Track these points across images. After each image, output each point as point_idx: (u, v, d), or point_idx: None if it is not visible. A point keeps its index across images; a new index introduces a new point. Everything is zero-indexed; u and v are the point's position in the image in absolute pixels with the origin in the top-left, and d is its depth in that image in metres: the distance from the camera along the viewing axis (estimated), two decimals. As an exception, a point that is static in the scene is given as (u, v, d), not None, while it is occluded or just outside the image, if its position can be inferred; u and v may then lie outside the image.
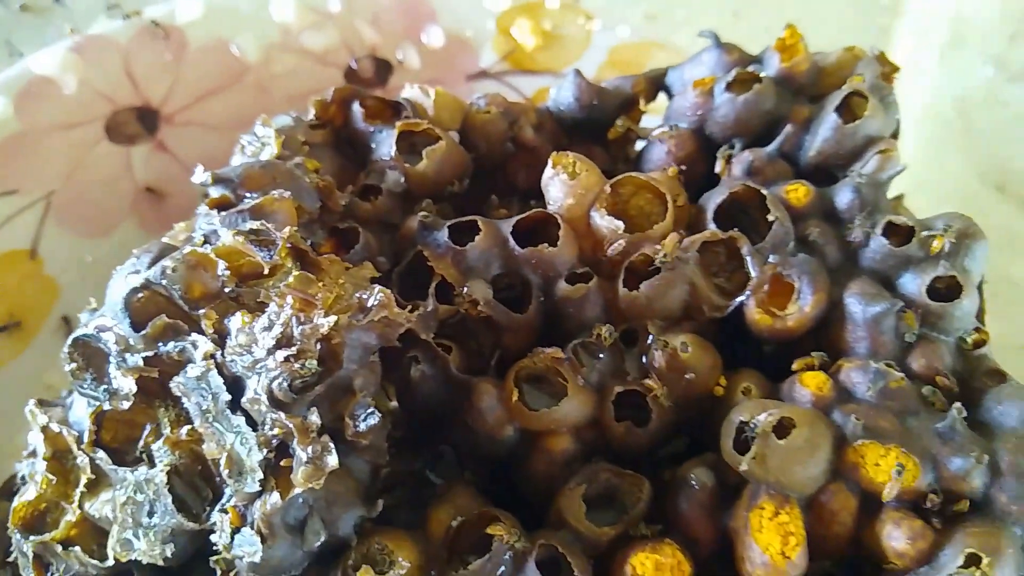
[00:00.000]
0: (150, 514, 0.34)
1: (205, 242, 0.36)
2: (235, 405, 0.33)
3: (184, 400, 0.34)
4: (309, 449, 0.32)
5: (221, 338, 0.34)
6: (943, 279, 0.38)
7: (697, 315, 0.39)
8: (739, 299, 0.39)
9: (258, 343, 0.32)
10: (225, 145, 0.45)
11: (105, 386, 0.35)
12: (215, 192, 0.39)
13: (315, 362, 0.32)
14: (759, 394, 0.37)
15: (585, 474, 0.37)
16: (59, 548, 0.36)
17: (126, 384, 0.35)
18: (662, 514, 0.37)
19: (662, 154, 0.45)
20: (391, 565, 0.34)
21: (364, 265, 0.37)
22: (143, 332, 0.34)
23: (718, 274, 0.40)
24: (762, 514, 0.34)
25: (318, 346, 0.32)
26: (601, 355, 0.38)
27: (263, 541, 0.32)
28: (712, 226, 0.40)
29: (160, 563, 0.34)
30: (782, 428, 0.34)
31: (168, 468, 0.34)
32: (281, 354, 0.32)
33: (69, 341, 0.36)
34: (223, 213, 0.37)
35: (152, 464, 0.35)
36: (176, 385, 0.34)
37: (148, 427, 0.36)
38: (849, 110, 0.43)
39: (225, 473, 0.33)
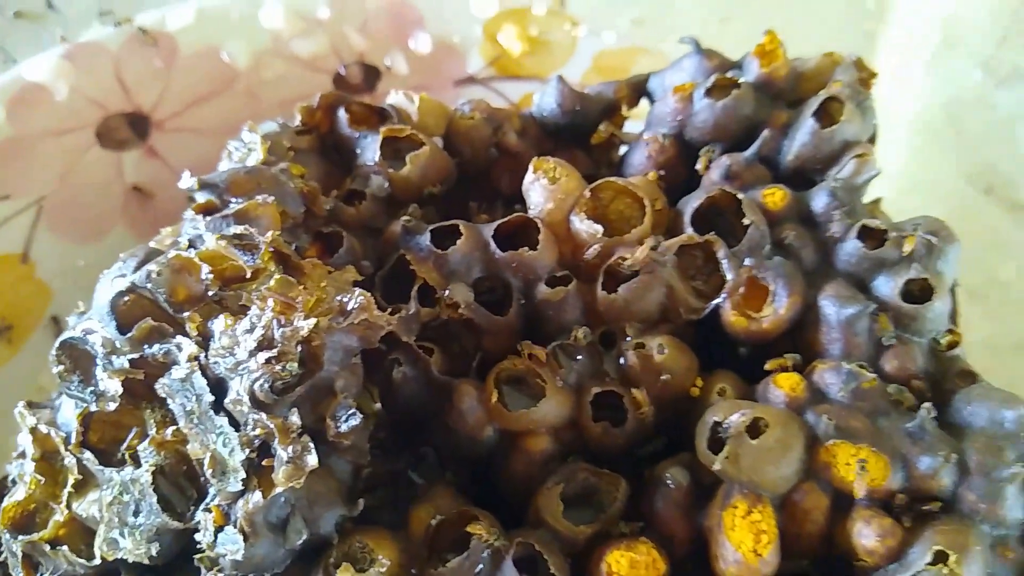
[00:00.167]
0: (136, 513, 0.35)
1: (190, 246, 0.36)
2: (218, 406, 0.34)
3: (169, 401, 0.35)
4: (289, 449, 0.32)
5: (205, 340, 0.34)
6: (916, 282, 0.39)
7: (674, 317, 0.40)
8: (715, 301, 0.39)
9: (240, 345, 0.33)
10: (216, 151, 0.46)
11: (92, 388, 0.36)
12: (201, 197, 0.39)
13: (296, 364, 0.33)
14: (734, 395, 0.38)
15: (563, 473, 0.37)
16: (47, 548, 0.37)
17: (112, 386, 0.35)
18: (642, 513, 0.38)
19: (643, 159, 0.45)
20: (371, 563, 0.34)
21: (347, 269, 0.38)
22: (129, 335, 0.35)
23: (696, 277, 0.41)
24: (735, 513, 0.35)
25: (298, 348, 0.33)
26: (579, 357, 0.39)
27: (245, 539, 0.33)
28: (689, 230, 0.40)
29: (146, 562, 0.35)
30: (755, 428, 0.35)
31: (153, 468, 0.35)
32: (262, 356, 0.33)
33: (57, 344, 0.37)
34: (208, 218, 0.37)
35: (138, 464, 0.35)
36: (161, 387, 0.35)
37: (135, 428, 0.37)
38: (827, 115, 0.44)
39: (209, 473, 0.34)
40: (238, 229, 0.36)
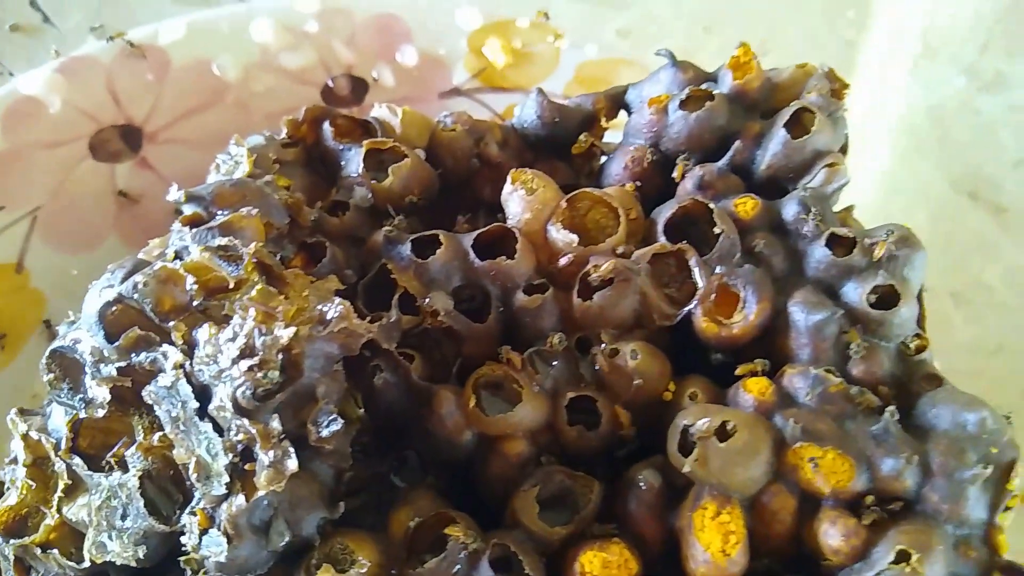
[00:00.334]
0: (123, 517, 0.36)
1: (176, 257, 0.38)
2: (203, 412, 0.35)
3: (156, 408, 0.36)
4: (271, 453, 0.33)
5: (190, 349, 0.35)
6: (882, 288, 0.40)
7: (648, 323, 0.41)
8: (687, 308, 0.40)
9: (223, 354, 0.34)
10: (207, 162, 0.47)
11: (81, 395, 0.37)
12: (188, 209, 0.41)
13: (276, 372, 0.34)
14: (705, 399, 0.39)
15: (539, 476, 0.38)
16: (39, 551, 0.38)
17: (100, 393, 0.36)
18: (616, 514, 0.39)
19: (619, 169, 0.46)
20: (352, 564, 0.35)
21: (329, 278, 0.39)
22: (116, 344, 0.36)
23: (669, 284, 0.42)
24: (704, 514, 0.36)
25: (279, 356, 0.34)
26: (554, 362, 0.40)
27: (229, 541, 0.34)
28: (662, 239, 0.42)
29: (133, 564, 0.36)
30: (724, 432, 0.36)
31: (140, 473, 0.36)
32: (244, 364, 0.34)
33: (47, 353, 0.38)
34: (194, 230, 0.38)
35: (125, 469, 0.37)
36: (148, 394, 0.36)
37: (124, 434, 0.38)
38: (801, 125, 0.45)
39: (194, 477, 0.35)
40: (223, 241, 0.37)
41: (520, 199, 0.42)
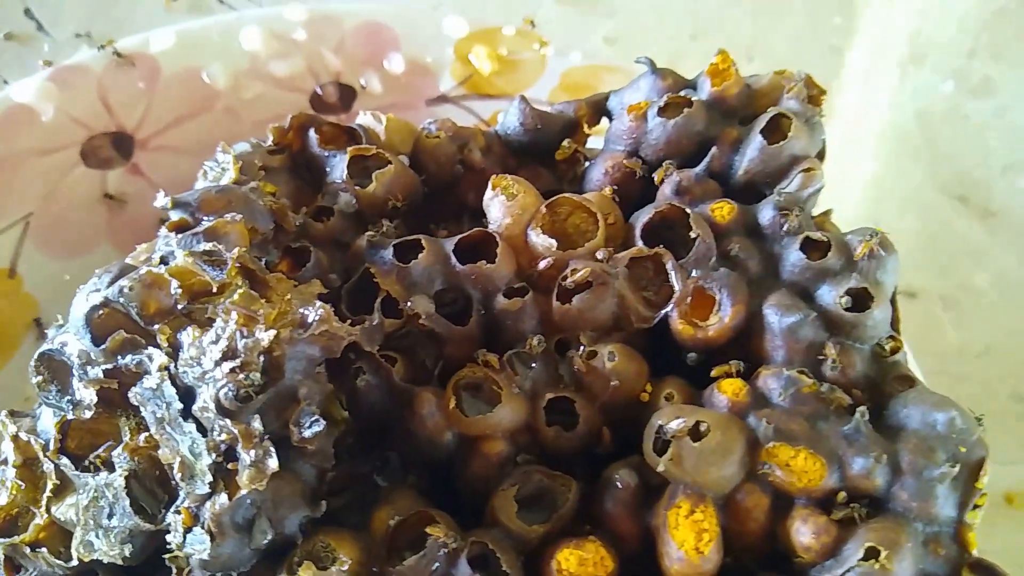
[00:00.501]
0: (110, 516, 0.37)
1: (162, 262, 0.38)
2: (187, 413, 0.36)
3: (141, 409, 0.37)
4: (252, 453, 0.34)
5: (174, 351, 0.36)
6: (856, 290, 0.41)
7: (626, 326, 0.42)
8: (664, 311, 0.41)
9: (206, 356, 0.35)
10: (197, 168, 0.48)
11: (69, 397, 0.38)
12: (175, 215, 0.41)
13: (258, 373, 0.34)
14: (681, 400, 0.40)
15: (518, 476, 0.39)
16: (28, 550, 0.39)
17: (87, 395, 0.37)
18: (593, 513, 0.39)
19: (600, 175, 0.47)
20: (333, 561, 0.36)
21: (312, 283, 0.40)
22: (103, 346, 0.37)
23: (647, 288, 0.42)
24: (679, 512, 0.37)
25: (260, 358, 0.35)
26: (533, 364, 0.41)
27: (212, 539, 0.35)
28: (640, 243, 0.42)
29: (119, 562, 0.37)
30: (698, 431, 0.37)
31: (126, 473, 0.37)
32: (227, 366, 0.34)
33: (36, 355, 0.39)
34: (180, 235, 0.39)
35: (112, 469, 0.37)
36: (133, 395, 0.37)
37: (111, 435, 0.39)
38: (778, 131, 0.45)
39: (178, 476, 0.36)
40: (207, 246, 0.38)
41: (501, 204, 0.43)
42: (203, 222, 0.40)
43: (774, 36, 0.83)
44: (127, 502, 0.37)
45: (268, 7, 0.64)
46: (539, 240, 0.42)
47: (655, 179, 0.46)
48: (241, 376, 0.34)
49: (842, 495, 0.37)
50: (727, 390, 0.39)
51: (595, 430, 0.40)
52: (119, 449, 0.37)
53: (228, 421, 0.34)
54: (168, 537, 0.36)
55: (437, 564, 0.36)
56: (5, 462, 0.41)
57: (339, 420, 0.39)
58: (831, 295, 0.41)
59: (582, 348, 0.41)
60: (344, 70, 0.61)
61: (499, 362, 0.41)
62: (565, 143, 0.50)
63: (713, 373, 0.40)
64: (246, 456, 0.34)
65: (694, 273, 0.41)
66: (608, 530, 0.38)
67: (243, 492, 0.34)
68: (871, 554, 0.35)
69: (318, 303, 0.37)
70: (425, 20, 0.62)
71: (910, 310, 0.83)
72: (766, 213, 0.43)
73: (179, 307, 0.37)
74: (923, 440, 0.37)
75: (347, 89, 0.62)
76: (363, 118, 0.48)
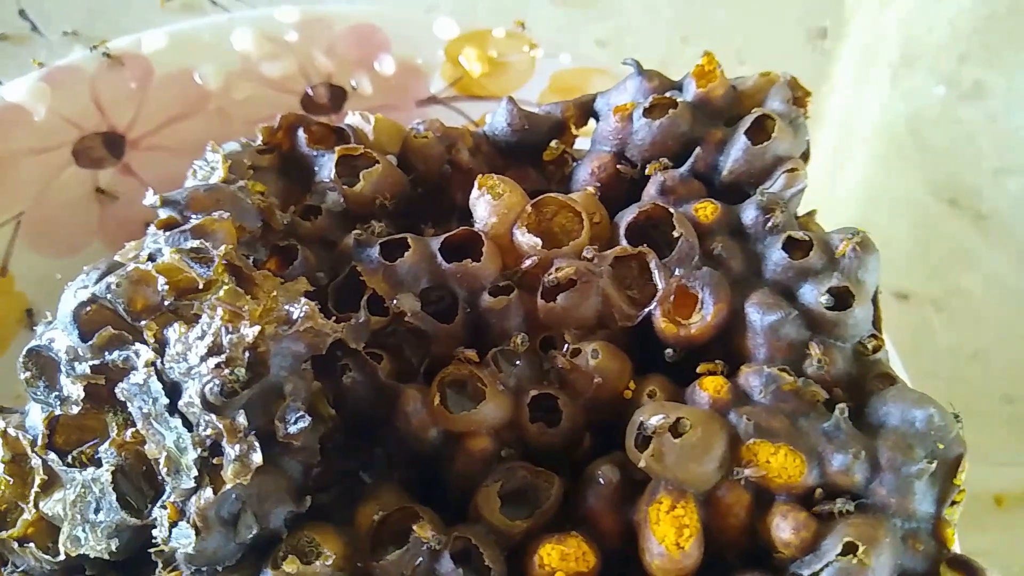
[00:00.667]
0: (97, 511, 0.37)
1: (149, 259, 0.39)
2: (173, 408, 0.36)
3: (128, 405, 0.37)
4: (237, 447, 0.34)
5: (161, 347, 0.37)
6: (837, 289, 0.41)
7: (610, 324, 0.42)
8: (648, 309, 0.42)
9: (192, 351, 0.35)
10: (188, 168, 0.48)
11: (56, 393, 0.38)
12: (163, 213, 0.42)
13: (243, 369, 0.35)
14: (664, 397, 0.40)
15: (502, 472, 0.39)
16: (16, 545, 0.39)
17: (75, 391, 0.38)
18: (576, 509, 0.40)
19: (586, 175, 0.48)
20: (317, 556, 0.36)
21: (298, 280, 0.40)
22: (90, 342, 0.37)
23: (631, 286, 0.43)
24: (660, 508, 0.37)
25: (246, 354, 0.35)
26: (518, 362, 0.41)
27: (197, 533, 0.35)
28: (624, 242, 0.43)
29: (106, 557, 0.37)
30: (678, 428, 0.37)
31: (113, 468, 0.37)
32: (212, 361, 0.35)
33: (24, 352, 0.39)
34: (168, 233, 0.40)
35: (99, 465, 0.38)
36: (120, 391, 0.37)
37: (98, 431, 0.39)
38: (763, 132, 0.46)
39: (164, 471, 0.36)
40: (194, 243, 0.38)
41: (487, 203, 0.43)
42: (191, 220, 0.41)
43: (764, 40, 0.84)
44: (114, 497, 0.37)
45: (261, 8, 0.64)
46: (524, 239, 0.42)
47: (648, 172, 0.47)
48: (226, 371, 0.35)
49: (819, 492, 0.37)
50: (709, 387, 0.39)
51: (578, 427, 0.41)
52: (106, 445, 0.38)
53: (213, 416, 0.35)
54: (154, 532, 0.36)
55: (420, 559, 0.37)
56: (-6, 458, 0.41)
57: (327, 418, 0.39)
58: (813, 294, 0.41)
59: (566, 346, 0.41)
60: (335, 71, 0.62)
61: (484, 359, 0.41)
62: (553, 144, 0.50)
63: (699, 369, 0.41)
64: (231, 451, 0.35)
65: (677, 272, 0.42)
66: (591, 526, 0.39)
67: (228, 486, 0.35)
68: (849, 549, 0.35)
69: (303, 300, 0.37)
70: (416, 22, 0.62)
71: (902, 312, 0.83)
72: (749, 213, 0.44)
73: (166, 303, 0.37)
74: (902, 437, 0.38)
75: (338, 90, 0.62)
76: (352, 118, 0.49)
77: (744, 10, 0.86)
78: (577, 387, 0.41)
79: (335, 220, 0.46)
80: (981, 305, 0.84)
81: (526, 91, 0.61)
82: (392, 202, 0.46)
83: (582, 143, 0.52)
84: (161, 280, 0.37)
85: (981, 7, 0.95)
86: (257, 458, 0.34)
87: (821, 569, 0.35)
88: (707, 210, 0.44)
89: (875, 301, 0.44)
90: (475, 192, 0.44)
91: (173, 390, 0.36)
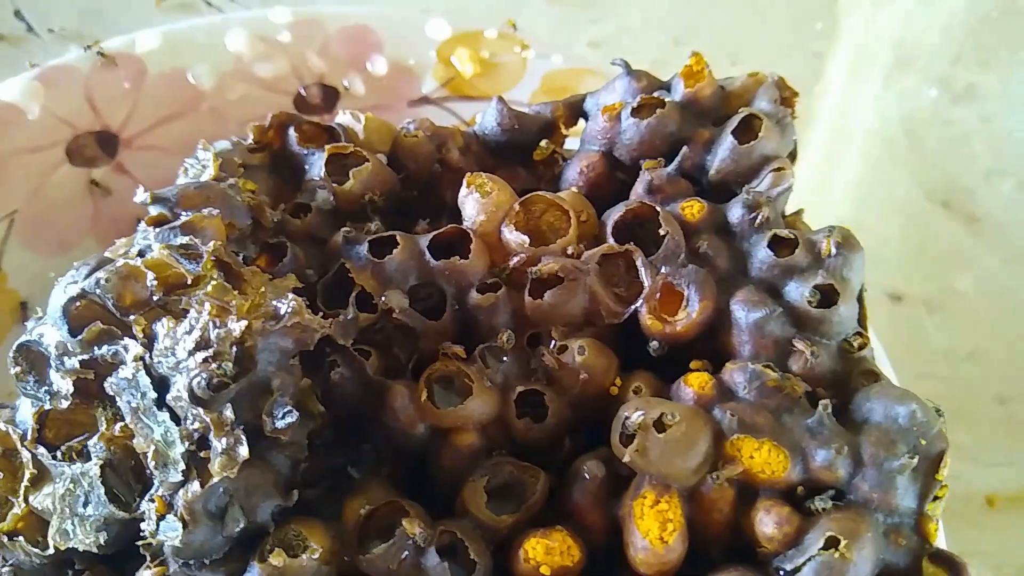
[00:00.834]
0: (85, 505, 0.38)
1: (139, 255, 0.39)
2: (161, 402, 0.36)
3: (117, 399, 0.37)
4: (223, 441, 0.35)
5: (150, 342, 0.37)
6: (823, 287, 0.41)
7: (597, 321, 0.42)
8: (634, 306, 0.42)
9: (180, 346, 0.36)
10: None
11: (46, 387, 0.39)
12: (154, 210, 0.42)
13: (230, 363, 0.35)
14: (650, 393, 0.41)
15: (488, 467, 0.40)
16: (5, 539, 0.39)
17: (64, 385, 0.38)
18: (563, 504, 0.40)
19: (575, 175, 0.48)
20: (304, 549, 0.37)
21: (287, 277, 0.41)
22: (79, 337, 0.38)
23: (618, 284, 0.43)
24: (644, 502, 0.37)
25: (233, 349, 0.35)
26: (505, 358, 0.41)
27: (184, 526, 0.35)
28: (611, 240, 0.43)
29: (95, 550, 0.38)
30: (663, 423, 0.37)
31: (101, 462, 0.37)
32: (200, 356, 0.35)
33: (14, 347, 0.39)
34: (157, 229, 0.40)
35: (88, 459, 0.38)
36: (109, 385, 0.37)
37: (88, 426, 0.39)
38: (750, 131, 0.46)
39: (152, 465, 0.36)
40: (184, 239, 0.39)
41: (475, 201, 0.44)
42: (181, 217, 0.41)
43: (757, 41, 0.84)
44: (102, 491, 0.37)
45: (255, 9, 0.65)
46: (512, 237, 0.43)
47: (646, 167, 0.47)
48: (214, 366, 0.35)
49: (800, 490, 0.37)
50: (693, 383, 0.40)
51: (564, 423, 0.41)
52: (95, 439, 0.38)
53: (201, 410, 0.35)
54: (142, 525, 0.37)
55: (406, 553, 0.37)
56: (-15, 453, 0.41)
57: (316, 414, 0.40)
58: (798, 291, 0.42)
59: (553, 342, 0.42)
60: (328, 72, 0.62)
61: (471, 356, 0.41)
62: (543, 144, 0.51)
63: (692, 365, 0.41)
64: (218, 444, 0.35)
65: (663, 269, 0.42)
66: (576, 521, 0.39)
67: (215, 480, 0.35)
68: (831, 543, 0.35)
69: (291, 296, 0.37)
70: (408, 23, 0.63)
71: (895, 314, 0.84)
72: (735, 211, 0.44)
73: (155, 299, 0.38)
74: (885, 433, 0.38)
75: (330, 90, 0.63)
76: (342, 117, 0.49)
77: (738, 12, 0.86)
78: (564, 383, 0.41)
79: (325, 218, 0.46)
80: (974, 306, 0.84)
81: (518, 92, 0.62)
82: (382, 200, 0.46)
83: (573, 143, 0.53)
84: (150, 275, 0.37)
85: (974, 9, 0.95)
86: (243, 451, 0.35)
87: (803, 563, 0.36)
88: (693, 208, 0.44)
89: (860, 299, 0.44)
90: (463, 190, 0.44)
91: (161, 384, 0.36)
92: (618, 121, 0.47)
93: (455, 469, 0.40)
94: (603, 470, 0.39)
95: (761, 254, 0.43)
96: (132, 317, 0.37)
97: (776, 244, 0.43)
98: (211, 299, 0.36)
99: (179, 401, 0.36)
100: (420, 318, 0.42)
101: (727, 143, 0.46)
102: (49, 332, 0.38)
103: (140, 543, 0.37)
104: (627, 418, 0.38)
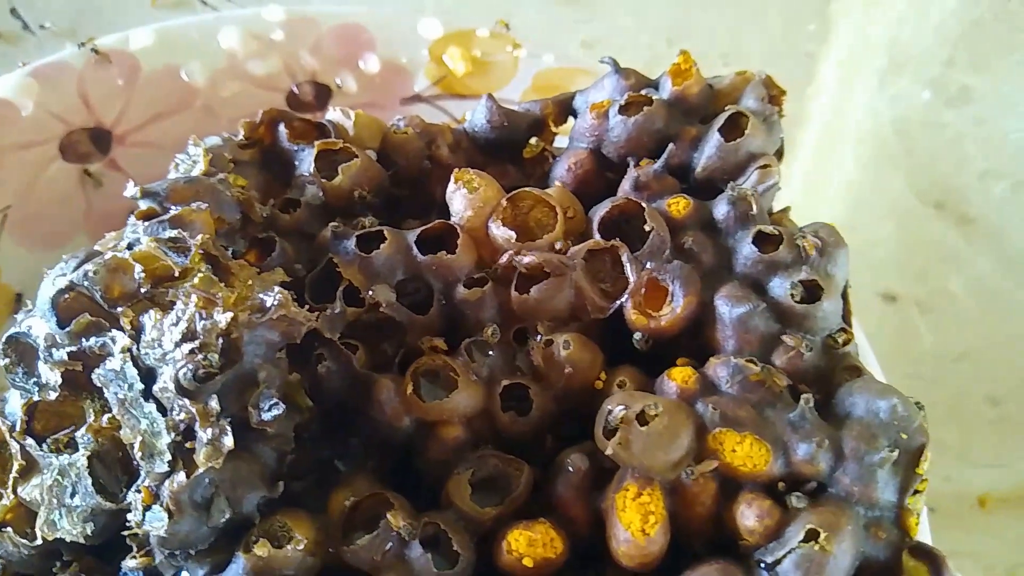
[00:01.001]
0: (72, 495, 0.38)
1: (128, 248, 0.39)
2: (148, 394, 0.37)
3: (104, 390, 0.38)
4: (209, 431, 0.35)
5: (137, 333, 0.37)
6: (807, 283, 0.42)
7: (583, 316, 0.43)
8: (619, 301, 0.42)
9: (167, 337, 0.36)
10: (171, 163, 0.49)
11: (35, 379, 0.39)
12: (143, 205, 0.42)
13: (216, 355, 0.35)
14: (634, 387, 0.41)
15: (473, 460, 0.40)
16: (-6, 530, 0.40)
17: (52, 376, 0.38)
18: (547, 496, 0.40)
19: (563, 171, 0.49)
20: (289, 540, 0.37)
21: (275, 271, 0.41)
22: (68, 329, 0.38)
23: (604, 279, 0.44)
24: (626, 495, 0.38)
25: (219, 340, 0.36)
26: (491, 352, 0.42)
27: (170, 517, 0.36)
28: (597, 236, 0.43)
29: (82, 541, 0.38)
30: (645, 416, 0.38)
31: (89, 453, 0.38)
32: (186, 347, 0.35)
33: (3, 338, 0.40)
34: (146, 223, 0.40)
35: (76, 450, 0.38)
36: (97, 376, 0.38)
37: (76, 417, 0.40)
38: (737, 129, 0.47)
39: (138, 455, 0.37)
40: (172, 233, 0.39)
41: (463, 197, 0.44)
42: (170, 211, 0.42)
43: (750, 42, 0.84)
44: (89, 482, 0.38)
45: (248, 8, 0.65)
46: (499, 232, 0.43)
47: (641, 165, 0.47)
48: (200, 357, 0.35)
49: (782, 484, 0.38)
50: (677, 378, 0.40)
51: (549, 416, 0.41)
52: (82, 430, 0.38)
53: (187, 401, 0.35)
54: (129, 516, 0.37)
55: (390, 544, 0.37)
56: (-27, 445, 0.42)
57: (303, 408, 0.40)
58: (782, 287, 0.42)
59: (539, 337, 0.42)
60: (320, 70, 0.62)
61: (458, 350, 0.42)
62: (533, 141, 0.51)
63: (679, 361, 0.41)
64: (203, 434, 0.35)
65: (648, 265, 0.42)
66: (560, 513, 0.39)
67: (200, 470, 0.35)
68: (811, 536, 0.36)
69: (277, 289, 0.38)
70: (401, 22, 0.63)
71: (887, 314, 0.84)
72: (721, 208, 0.44)
73: (142, 291, 0.38)
74: (866, 427, 0.38)
75: (323, 88, 0.63)
76: (333, 114, 0.49)
77: (731, 13, 0.87)
78: (549, 377, 0.41)
79: (314, 213, 0.46)
80: (966, 307, 0.85)
81: (509, 90, 0.62)
82: (371, 195, 0.47)
83: (563, 141, 0.53)
84: (138, 268, 0.38)
85: (967, 12, 0.96)
86: (229, 442, 0.35)
87: (784, 556, 0.36)
88: (679, 205, 0.44)
89: (845, 295, 0.44)
90: (451, 186, 0.45)
91: (148, 376, 0.37)
92: (606, 118, 0.48)
93: (440, 462, 0.41)
94: (587, 463, 0.39)
95: (746, 250, 0.43)
96: (120, 309, 0.38)
97: (761, 240, 0.43)
98: (198, 291, 0.36)
99: (165, 392, 0.36)
100: (407, 312, 0.42)
101: (714, 140, 0.46)
102: (38, 324, 0.39)
103: (126, 533, 0.37)
104: (610, 411, 0.38)
